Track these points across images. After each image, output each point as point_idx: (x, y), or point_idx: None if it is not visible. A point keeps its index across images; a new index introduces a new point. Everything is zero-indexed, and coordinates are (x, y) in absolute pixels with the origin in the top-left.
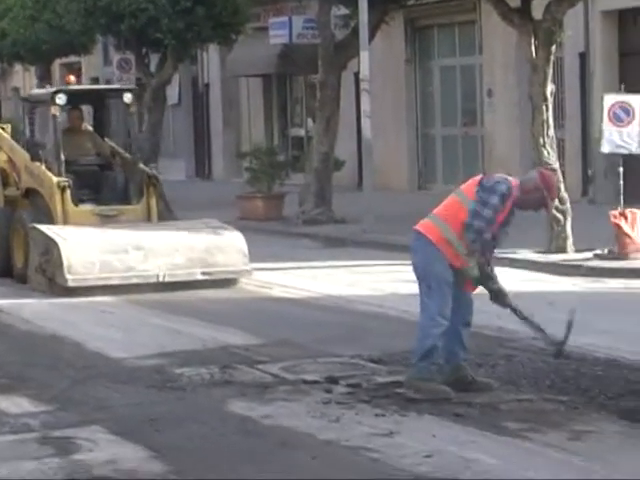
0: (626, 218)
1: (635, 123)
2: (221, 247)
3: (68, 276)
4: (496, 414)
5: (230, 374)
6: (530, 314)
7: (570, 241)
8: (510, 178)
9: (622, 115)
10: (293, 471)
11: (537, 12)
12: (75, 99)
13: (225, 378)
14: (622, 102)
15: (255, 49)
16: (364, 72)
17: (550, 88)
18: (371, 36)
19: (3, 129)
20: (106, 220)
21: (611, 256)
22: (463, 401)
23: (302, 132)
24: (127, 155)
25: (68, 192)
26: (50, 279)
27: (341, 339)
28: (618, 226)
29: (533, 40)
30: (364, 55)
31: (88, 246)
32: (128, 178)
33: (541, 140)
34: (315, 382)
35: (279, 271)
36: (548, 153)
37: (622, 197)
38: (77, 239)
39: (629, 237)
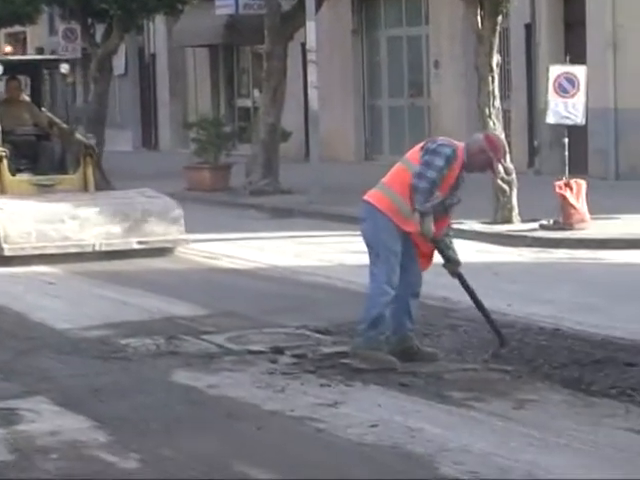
0: (571, 189)
1: (580, 94)
2: (157, 216)
3: (4, 245)
4: (441, 384)
5: (176, 345)
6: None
7: (516, 212)
8: (455, 142)
9: (567, 86)
10: (238, 441)
11: None
12: (12, 69)
13: (170, 349)
14: (567, 73)
15: (201, 19)
16: (311, 43)
17: (496, 59)
18: (317, 6)
19: None
20: (43, 190)
21: (556, 226)
22: (408, 371)
23: (249, 103)
24: (64, 125)
25: (5, 162)
26: None
27: (287, 310)
28: (563, 197)
29: (479, 11)
30: (310, 25)
31: (24, 216)
32: (65, 148)
33: (487, 111)
34: (260, 352)
35: (225, 242)
36: (494, 124)
37: (567, 168)
38: (13, 209)
39: (574, 207)
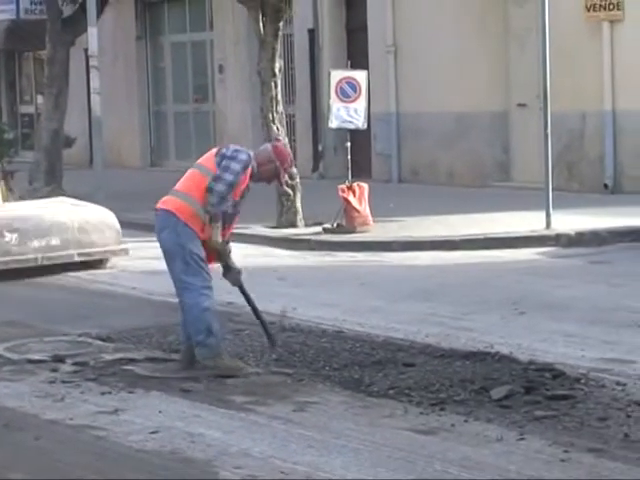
0: (354, 192)
1: (362, 99)
2: (94, 225)
3: None
4: (222, 388)
5: None
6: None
7: (300, 215)
8: (243, 148)
9: (349, 91)
10: (15, 452)
11: None
12: None
13: None
14: (348, 78)
15: None
16: (92, 48)
17: (278, 64)
18: (99, 12)
19: None
20: None
21: (340, 230)
22: (190, 376)
23: (32, 109)
24: None
25: None
26: None
27: (70, 318)
28: (346, 200)
29: (261, 16)
30: (92, 31)
31: None
32: None
33: (270, 116)
34: (41, 361)
35: None
36: (278, 129)
37: (350, 172)
38: None
39: (357, 211)
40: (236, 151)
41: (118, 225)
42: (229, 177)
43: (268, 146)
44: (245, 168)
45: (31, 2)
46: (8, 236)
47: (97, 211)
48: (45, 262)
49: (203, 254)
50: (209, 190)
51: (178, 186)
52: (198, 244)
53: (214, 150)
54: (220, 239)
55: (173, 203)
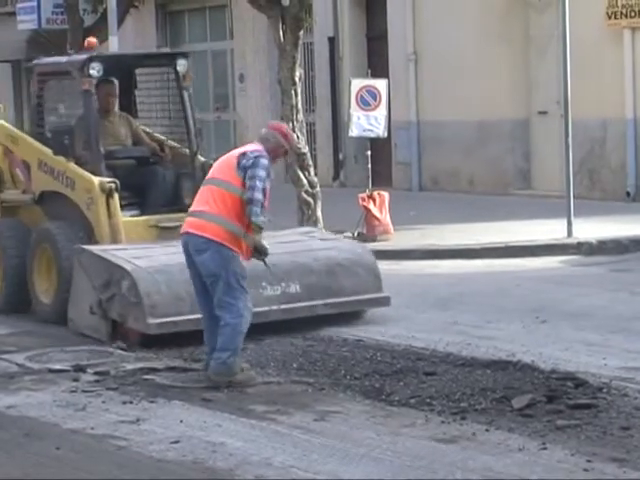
0: (374, 201)
1: (382, 107)
2: (346, 267)
3: (150, 320)
4: (243, 397)
5: None
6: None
7: (321, 224)
8: (257, 147)
9: (369, 99)
10: (37, 461)
11: None
12: (108, 70)
13: None
14: (369, 86)
15: (4, 34)
16: None
17: (298, 73)
18: (120, 21)
19: None
20: (165, 234)
21: (360, 238)
22: (211, 385)
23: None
24: (174, 144)
25: (116, 197)
26: (117, 323)
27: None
28: (367, 209)
29: (281, 25)
30: (113, 40)
31: (173, 274)
32: (179, 175)
33: (291, 124)
34: (62, 371)
35: None
36: (298, 137)
37: (370, 180)
38: (154, 264)
39: (377, 219)
40: (257, 158)
41: (377, 266)
42: (260, 184)
43: (271, 132)
44: (268, 170)
45: (53, 12)
46: None
47: (350, 247)
48: (280, 316)
49: (245, 272)
50: (248, 201)
51: (203, 207)
52: (239, 263)
53: (228, 161)
54: (266, 244)
55: (208, 229)
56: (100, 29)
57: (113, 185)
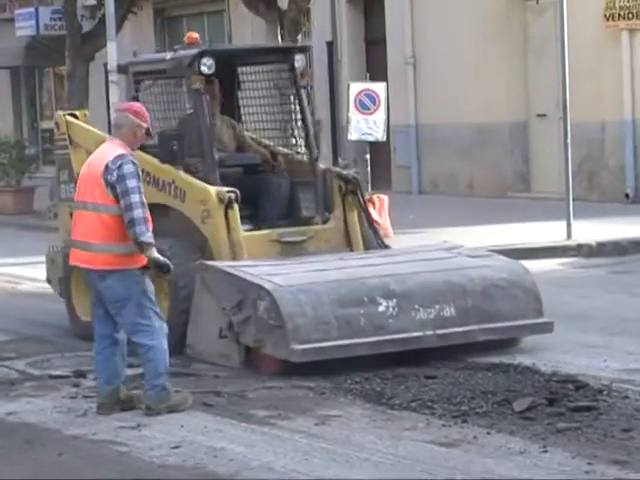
0: (374, 204)
1: (381, 111)
2: (502, 289)
3: (295, 346)
4: (244, 402)
5: None
6: None
7: None
8: (118, 147)
9: (368, 103)
10: (38, 468)
11: (284, 1)
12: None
13: None
14: (367, 90)
15: (2, 41)
16: (112, 63)
17: None
18: (118, 27)
19: (75, 117)
20: (288, 250)
21: None
22: (211, 390)
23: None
24: (284, 150)
25: (236, 208)
26: (252, 349)
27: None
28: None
29: (279, 29)
30: (111, 46)
31: (318, 294)
32: (294, 184)
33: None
34: (62, 377)
35: (29, 266)
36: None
37: (370, 183)
38: (296, 282)
39: (377, 223)
40: (118, 168)
41: (537, 288)
42: (136, 197)
43: (122, 114)
44: (138, 175)
45: (51, 18)
46: (384, 304)
47: (507, 266)
48: (435, 342)
49: (151, 286)
50: (131, 225)
51: (87, 237)
52: (143, 279)
53: (93, 179)
54: (161, 257)
55: (99, 260)
56: (98, 35)
57: (233, 195)
